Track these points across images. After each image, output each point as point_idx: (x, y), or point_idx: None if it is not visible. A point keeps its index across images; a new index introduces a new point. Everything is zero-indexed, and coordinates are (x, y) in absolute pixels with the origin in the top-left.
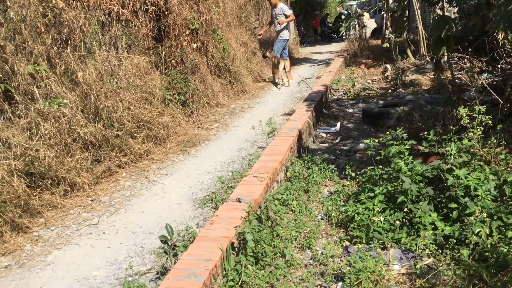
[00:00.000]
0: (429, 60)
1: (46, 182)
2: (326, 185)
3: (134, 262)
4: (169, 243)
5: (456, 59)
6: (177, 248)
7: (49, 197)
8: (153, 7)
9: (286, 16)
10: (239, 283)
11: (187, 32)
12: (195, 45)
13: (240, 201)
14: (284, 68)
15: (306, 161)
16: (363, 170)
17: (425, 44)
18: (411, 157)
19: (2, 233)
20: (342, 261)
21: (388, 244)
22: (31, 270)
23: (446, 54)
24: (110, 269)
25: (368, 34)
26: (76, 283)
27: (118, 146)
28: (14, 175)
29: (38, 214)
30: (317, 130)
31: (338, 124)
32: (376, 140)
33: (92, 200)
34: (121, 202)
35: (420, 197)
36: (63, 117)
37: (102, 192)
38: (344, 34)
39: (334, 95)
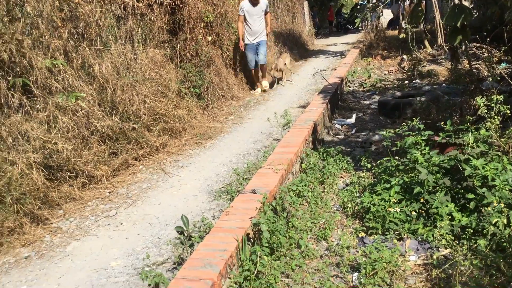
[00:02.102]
0: (447, 50)
1: (65, 174)
2: (341, 177)
3: (151, 253)
4: (185, 234)
5: (474, 49)
6: (193, 239)
7: (67, 189)
8: (168, 0)
9: (266, 13)
10: (255, 273)
11: (202, 25)
12: (210, 38)
13: (255, 193)
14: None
15: (321, 153)
16: (379, 161)
17: (442, 34)
18: (428, 148)
19: (22, 224)
20: (358, 251)
21: (404, 235)
22: (51, 260)
23: (463, 43)
24: (128, 260)
25: (385, 25)
26: (95, 273)
27: (135, 139)
28: (33, 168)
29: (57, 206)
30: (332, 122)
31: (354, 116)
32: (392, 131)
33: (109, 192)
34: (138, 194)
35: (437, 187)
36: (81, 110)
37: (120, 184)
38: (360, 25)
39: (350, 87)
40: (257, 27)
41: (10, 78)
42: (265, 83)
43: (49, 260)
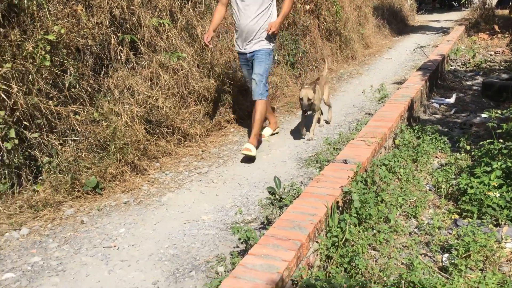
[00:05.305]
0: None
1: (163, 130)
2: (436, 156)
3: None
4: (276, 196)
5: None
6: (283, 200)
7: (164, 144)
8: None
9: None
10: (342, 240)
11: None
12: (307, 7)
13: (346, 163)
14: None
15: (416, 131)
16: (480, 143)
17: None
18: None
19: (123, 172)
20: (450, 233)
21: (502, 221)
22: (147, 208)
23: None
24: (217, 215)
25: (493, 3)
26: (187, 224)
27: (228, 102)
28: (136, 121)
29: (155, 159)
30: (430, 100)
31: (454, 95)
32: (499, 112)
33: (202, 151)
34: (229, 155)
35: None
36: (181, 70)
37: (212, 144)
38: (466, 2)
39: (451, 66)
40: (250, 21)
41: (119, 34)
42: (249, 145)
43: (146, 207)
